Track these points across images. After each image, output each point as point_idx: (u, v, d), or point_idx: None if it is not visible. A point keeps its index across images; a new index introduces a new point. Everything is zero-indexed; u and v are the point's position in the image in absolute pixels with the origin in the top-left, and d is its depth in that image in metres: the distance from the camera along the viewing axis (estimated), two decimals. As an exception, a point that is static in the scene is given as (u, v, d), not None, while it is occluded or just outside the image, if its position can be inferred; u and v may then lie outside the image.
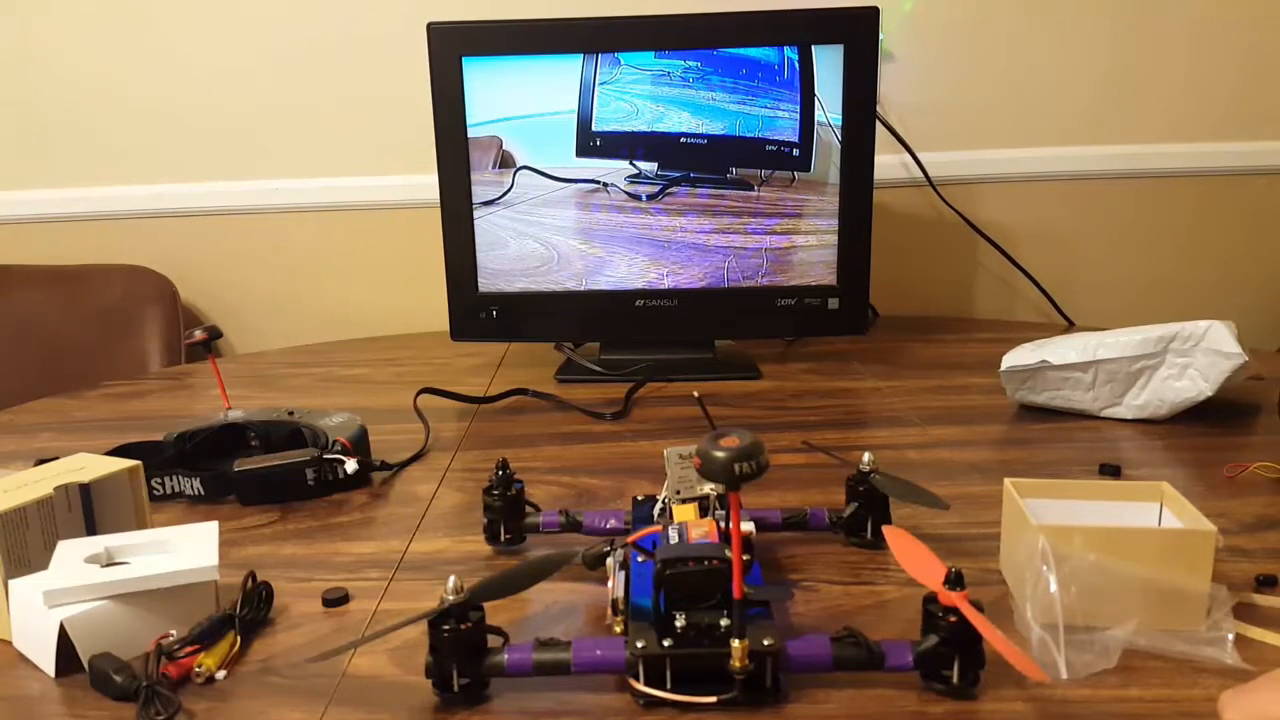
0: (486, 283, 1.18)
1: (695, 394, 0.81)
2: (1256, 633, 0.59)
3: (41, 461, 0.75)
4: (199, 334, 0.95)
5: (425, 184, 1.44)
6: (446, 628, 0.53)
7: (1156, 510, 0.66)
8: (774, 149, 1.14)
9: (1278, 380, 1.04)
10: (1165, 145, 1.45)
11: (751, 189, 1.15)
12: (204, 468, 0.86)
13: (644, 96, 1.13)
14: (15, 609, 0.61)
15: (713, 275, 1.17)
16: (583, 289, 1.18)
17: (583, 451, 0.95)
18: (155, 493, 0.85)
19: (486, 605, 0.55)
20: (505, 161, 1.15)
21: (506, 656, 0.54)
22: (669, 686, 0.53)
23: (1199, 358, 0.93)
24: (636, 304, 1.18)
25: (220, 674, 0.58)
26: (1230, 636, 0.57)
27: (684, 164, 1.14)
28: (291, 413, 0.95)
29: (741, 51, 1.11)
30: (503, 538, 0.73)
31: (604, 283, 1.18)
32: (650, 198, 1.15)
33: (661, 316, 1.18)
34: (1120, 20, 1.41)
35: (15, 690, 0.58)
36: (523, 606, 0.65)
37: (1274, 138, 1.44)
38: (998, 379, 1.03)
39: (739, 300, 1.18)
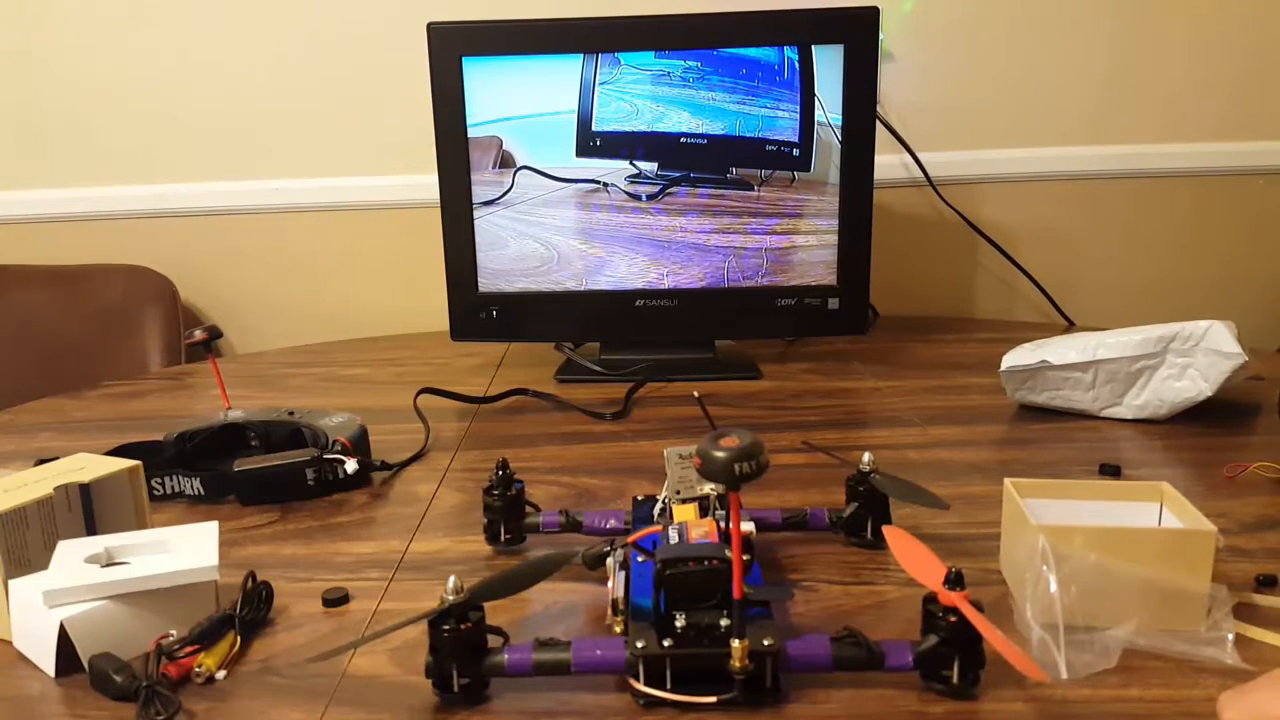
0: (486, 283, 1.18)
1: (695, 394, 0.81)
2: (1256, 633, 0.59)
3: (41, 461, 0.75)
4: (199, 334, 0.95)
5: (425, 184, 1.44)
6: (446, 628, 0.53)
7: (1156, 510, 0.66)
8: (774, 149, 1.14)
9: (1278, 380, 1.04)
10: (1165, 145, 1.45)
11: (751, 189, 1.15)
12: (204, 468, 0.86)
13: (644, 96, 1.13)
14: (15, 609, 0.61)
15: (713, 275, 1.17)
16: (583, 289, 1.18)
17: (583, 451, 0.95)
18: (155, 493, 0.85)
19: (486, 605, 0.55)
20: (505, 161, 1.15)
21: (506, 656, 0.54)
22: (669, 686, 0.53)
23: (1199, 358, 0.93)
24: (636, 304, 1.18)
25: (220, 674, 0.58)
26: (1230, 636, 0.57)
27: (684, 164, 1.14)
28: (291, 413, 0.95)
29: (741, 51, 1.11)
30: (503, 538, 0.73)
31: (604, 283, 1.18)
32: (650, 198, 1.15)
33: (661, 316, 1.18)
34: (1120, 20, 1.41)
35: (15, 690, 0.58)
36: (523, 606, 0.65)
37: (1274, 138, 1.44)
38: (998, 379, 1.03)
39: (739, 300, 1.18)
